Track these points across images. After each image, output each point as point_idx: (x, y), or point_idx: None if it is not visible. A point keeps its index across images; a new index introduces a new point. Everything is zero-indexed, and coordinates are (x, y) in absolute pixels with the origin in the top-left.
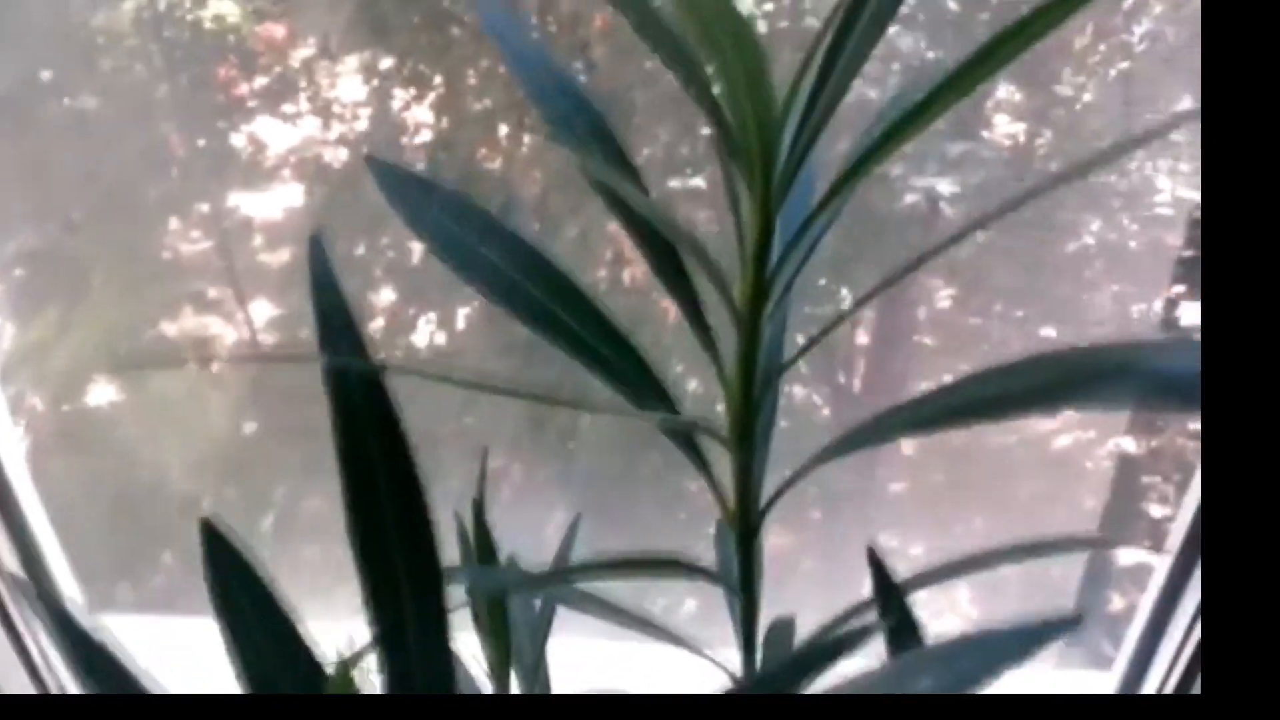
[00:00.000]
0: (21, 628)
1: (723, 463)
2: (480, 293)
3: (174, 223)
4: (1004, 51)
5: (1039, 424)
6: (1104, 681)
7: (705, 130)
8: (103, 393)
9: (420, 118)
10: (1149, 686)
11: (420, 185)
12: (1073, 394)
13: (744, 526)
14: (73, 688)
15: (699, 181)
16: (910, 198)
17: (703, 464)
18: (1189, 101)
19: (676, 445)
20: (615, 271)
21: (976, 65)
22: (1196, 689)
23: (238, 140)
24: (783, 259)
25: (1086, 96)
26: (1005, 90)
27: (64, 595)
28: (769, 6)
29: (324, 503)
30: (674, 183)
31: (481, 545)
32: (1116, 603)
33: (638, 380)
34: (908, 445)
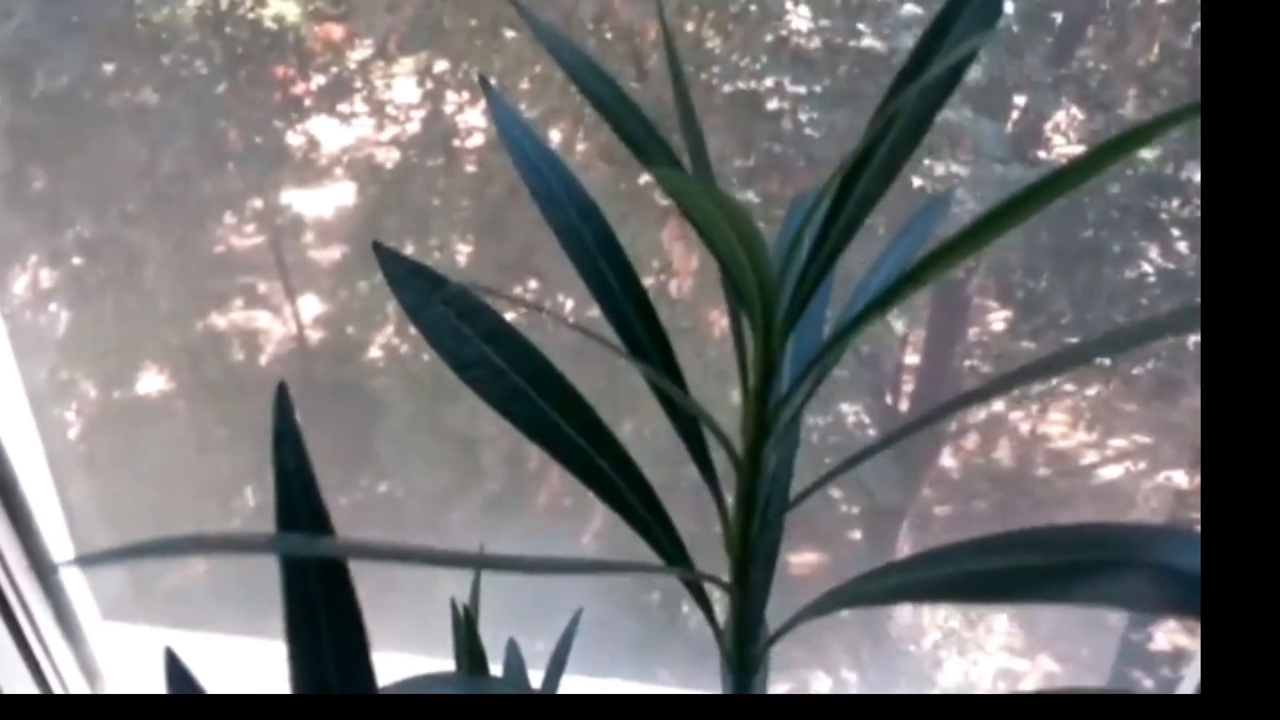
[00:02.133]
0: (28, 633)
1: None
2: (479, 395)
3: (228, 217)
4: (1003, 220)
5: (1087, 454)
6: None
7: (763, 144)
8: (153, 381)
9: (472, 121)
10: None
11: (426, 277)
12: (1059, 587)
13: (740, 669)
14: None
15: (750, 195)
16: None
17: (703, 598)
18: None
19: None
20: (662, 282)
21: (962, 240)
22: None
23: (293, 138)
24: (785, 399)
25: (1147, 118)
26: (1064, 114)
27: (75, 604)
28: (826, 23)
29: (360, 496)
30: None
31: (473, 655)
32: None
33: (640, 504)
34: (955, 467)
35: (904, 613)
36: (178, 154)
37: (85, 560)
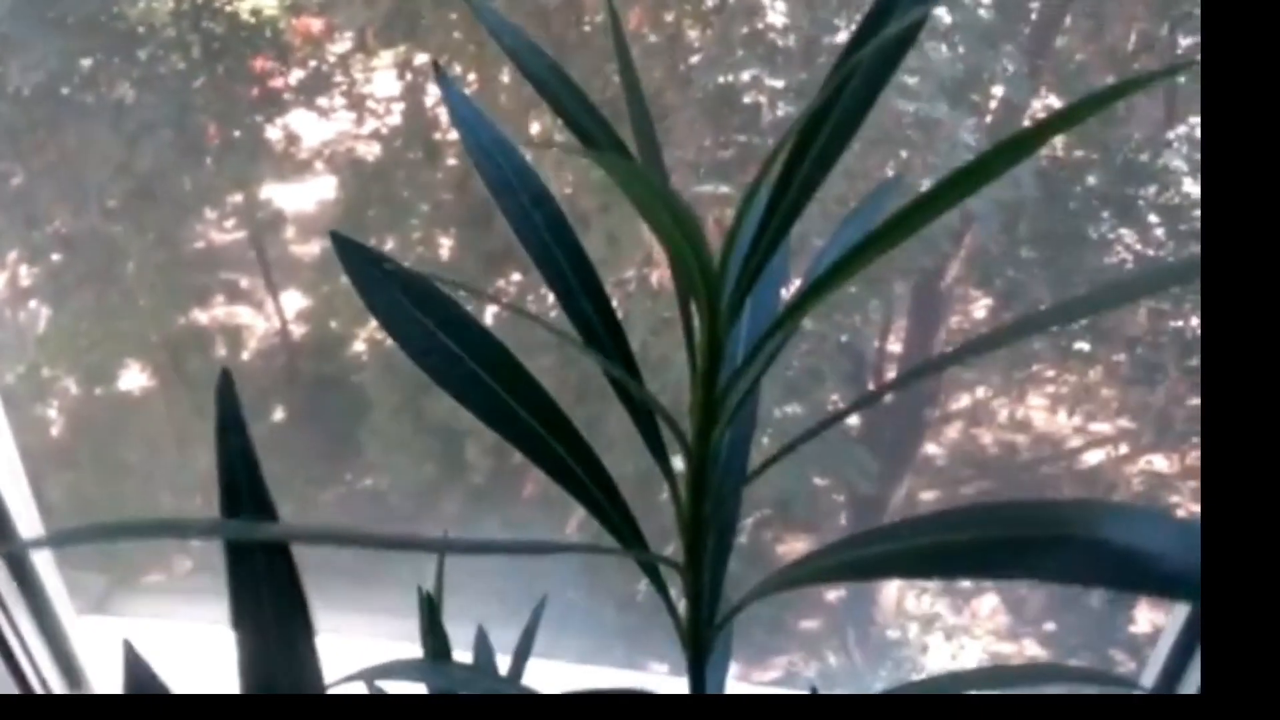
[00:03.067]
0: (6, 631)
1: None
2: (436, 382)
3: (208, 212)
4: (947, 196)
5: (1070, 439)
6: None
7: (740, 137)
8: (134, 378)
9: None
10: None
11: (383, 265)
12: (1014, 561)
13: (695, 648)
14: (57, 688)
15: (728, 189)
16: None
17: (657, 578)
18: None
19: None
20: (645, 274)
21: (911, 212)
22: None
23: (272, 132)
24: (733, 380)
25: (1128, 107)
26: (1040, 103)
27: (51, 595)
28: (803, 18)
29: (344, 490)
30: (706, 186)
31: (437, 643)
32: (1141, 621)
33: (596, 485)
34: (939, 454)
35: (889, 600)
36: (156, 149)
37: (30, 544)
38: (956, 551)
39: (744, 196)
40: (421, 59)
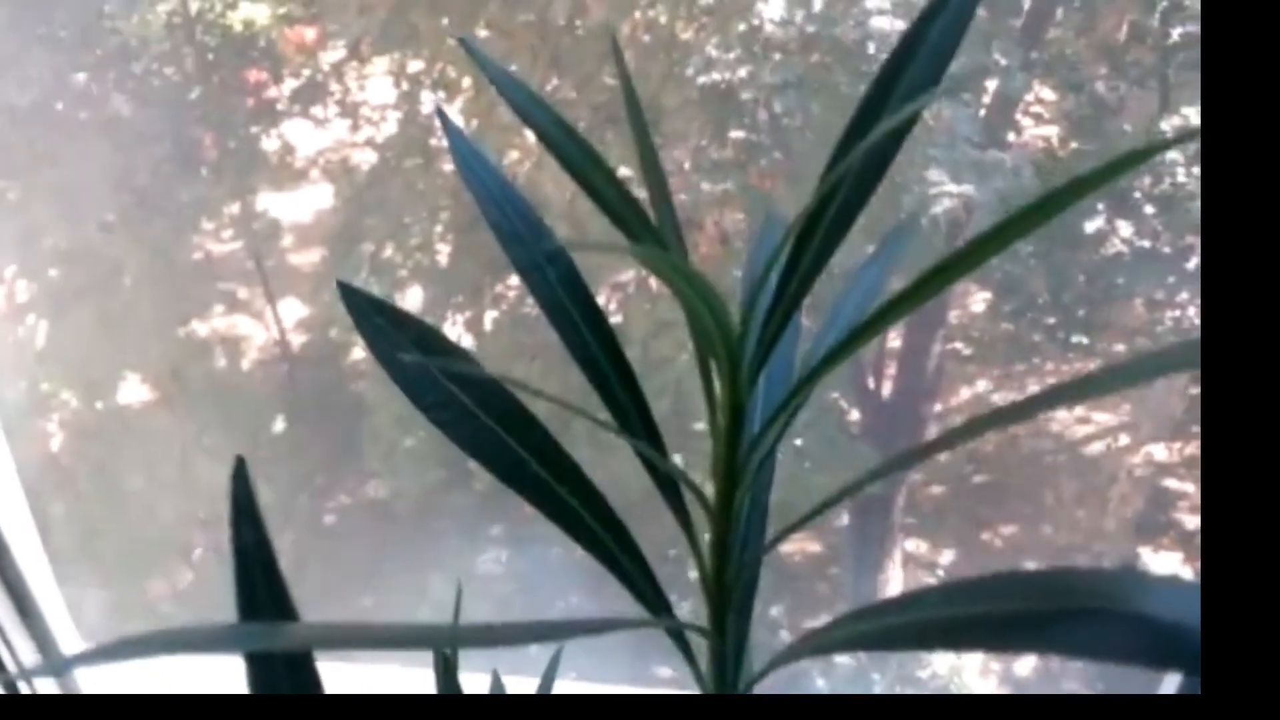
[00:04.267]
0: (7, 661)
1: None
2: (448, 436)
3: (205, 223)
4: (961, 264)
5: (1073, 429)
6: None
7: (734, 134)
8: (135, 390)
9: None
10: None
11: (390, 315)
12: (1048, 635)
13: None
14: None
15: (728, 185)
16: (945, 204)
17: (684, 645)
18: None
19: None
20: (643, 277)
21: (926, 281)
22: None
23: (268, 143)
24: (755, 442)
25: (1121, 98)
26: (1034, 95)
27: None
28: (799, 13)
29: (346, 499)
30: (704, 185)
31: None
32: None
33: (617, 545)
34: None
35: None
36: (152, 161)
37: (52, 668)
38: (992, 623)
39: (766, 263)
40: (416, 66)
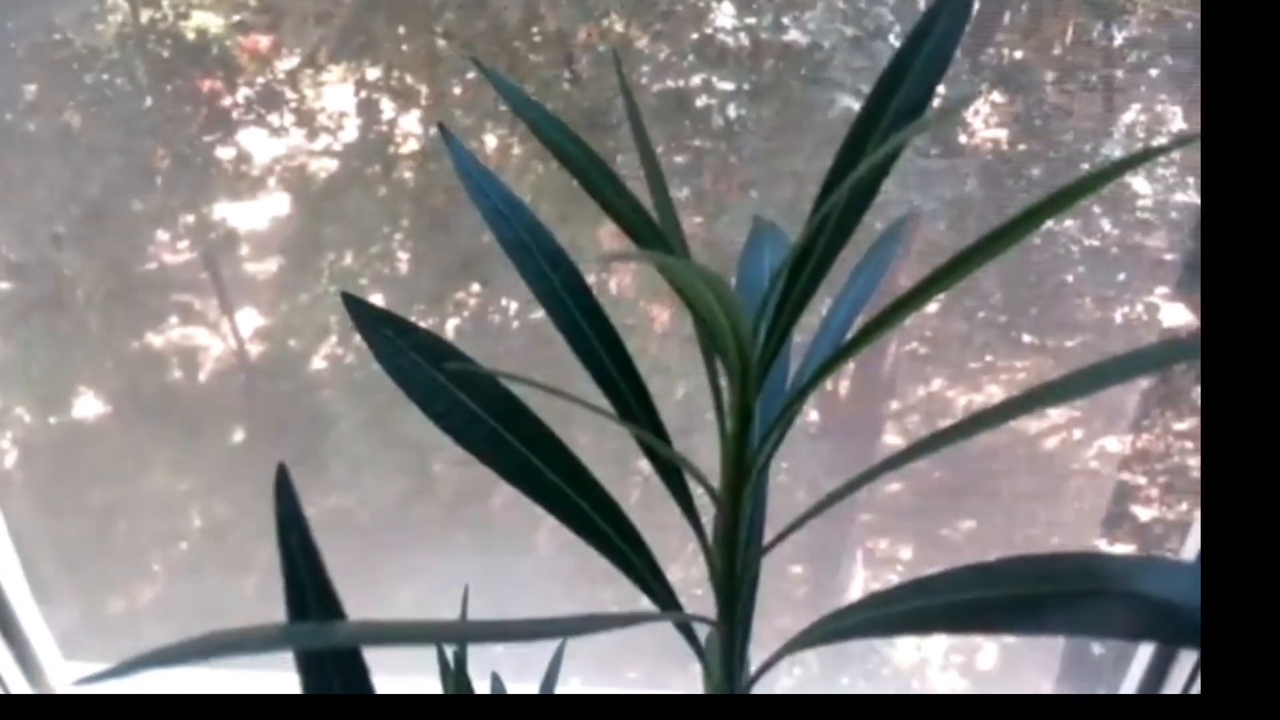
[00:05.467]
0: None
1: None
2: (456, 441)
3: (160, 234)
4: (973, 260)
5: (1028, 423)
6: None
7: (693, 141)
8: (90, 404)
9: (407, 128)
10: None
11: (394, 324)
12: (1052, 616)
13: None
14: None
15: (685, 193)
16: (892, 213)
17: (692, 638)
18: (1168, 105)
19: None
20: (603, 280)
21: (927, 286)
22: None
23: (223, 152)
24: (760, 444)
25: (1066, 101)
26: (983, 100)
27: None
28: (751, 20)
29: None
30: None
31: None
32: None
33: (627, 544)
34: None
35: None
36: (105, 173)
37: (112, 673)
38: (994, 607)
39: (774, 274)
40: (374, 74)
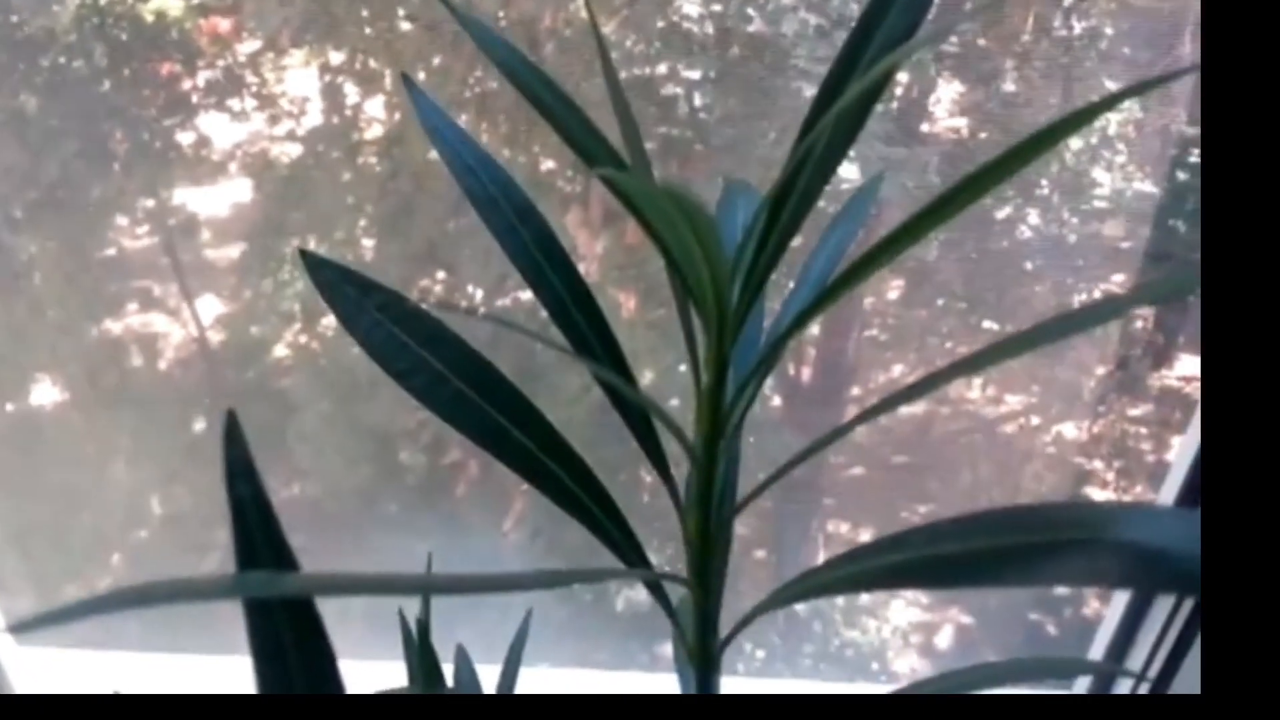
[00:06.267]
0: None
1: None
2: (421, 402)
3: (119, 219)
4: (948, 208)
5: (986, 409)
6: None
7: (660, 129)
8: (47, 392)
9: (372, 113)
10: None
11: (357, 283)
12: (1038, 567)
13: (703, 662)
14: None
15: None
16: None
17: (663, 597)
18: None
19: (641, 582)
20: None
21: (899, 234)
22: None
23: (183, 136)
24: (736, 396)
25: (1025, 90)
26: (945, 86)
27: None
28: (717, 7)
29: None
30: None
31: (425, 667)
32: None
33: (596, 504)
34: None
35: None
36: (62, 157)
37: (19, 628)
38: (978, 559)
39: (749, 222)
40: (338, 58)
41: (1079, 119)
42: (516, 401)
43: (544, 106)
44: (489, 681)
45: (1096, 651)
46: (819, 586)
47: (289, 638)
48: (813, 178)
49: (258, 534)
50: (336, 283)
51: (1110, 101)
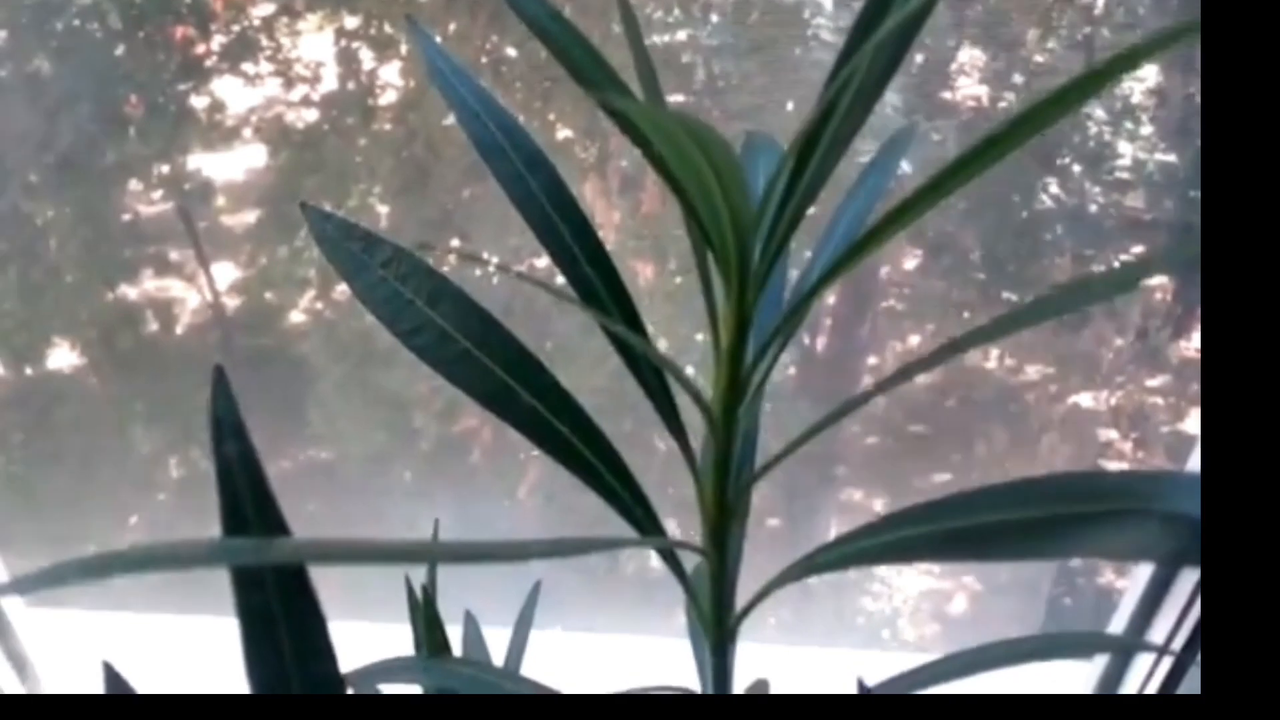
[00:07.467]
0: None
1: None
2: (426, 361)
3: (134, 184)
4: (974, 164)
5: (1003, 379)
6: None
7: (678, 96)
8: (64, 356)
9: (387, 78)
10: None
11: (362, 239)
12: (1083, 539)
13: (718, 635)
14: (8, 687)
15: None
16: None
17: (677, 566)
18: (1148, 67)
19: (654, 550)
20: None
21: (935, 184)
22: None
23: (197, 101)
24: (757, 358)
25: (1049, 59)
26: (968, 54)
27: None
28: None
29: (290, 464)
30: (624, 162)
31: (430, 636)
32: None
33: (604, 464)
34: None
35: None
36: (77, 122)
37: (14, 587)
38: (1015, 530)
39: (790, 147)
40: (353, 23)
41: (1101, 76)
42: (525, 361)
43: (546, 32)
44: (498, 648)
45: (1118, 625)
46: (847, 557)
47: (278, 607)
48: (843, 123)
49: (245, 496)
50: (339, 238)
51: (1133, 57)
